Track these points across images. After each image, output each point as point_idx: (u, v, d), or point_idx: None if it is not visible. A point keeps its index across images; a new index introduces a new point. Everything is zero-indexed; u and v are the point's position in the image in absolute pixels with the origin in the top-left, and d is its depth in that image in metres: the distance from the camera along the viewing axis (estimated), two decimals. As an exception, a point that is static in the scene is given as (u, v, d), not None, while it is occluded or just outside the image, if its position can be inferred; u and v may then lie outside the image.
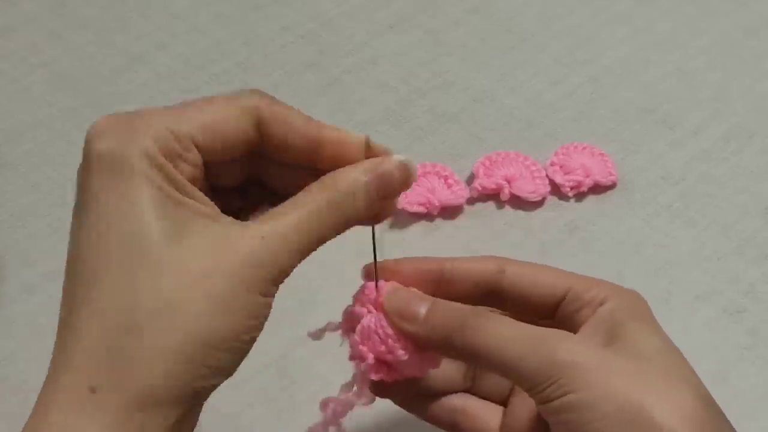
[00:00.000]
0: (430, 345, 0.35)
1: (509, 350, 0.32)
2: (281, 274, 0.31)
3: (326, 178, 0.33)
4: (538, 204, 0.56)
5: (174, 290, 0.28)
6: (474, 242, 0.55)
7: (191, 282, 0.28)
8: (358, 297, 0.36)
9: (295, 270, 0.54)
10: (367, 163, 0.34)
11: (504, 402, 0.39)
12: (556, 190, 0.57)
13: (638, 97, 0.62)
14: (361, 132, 0.61)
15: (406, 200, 0.55)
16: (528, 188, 0.56)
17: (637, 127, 0.60)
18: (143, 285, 0.28)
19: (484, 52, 0.64)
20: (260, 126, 0.33)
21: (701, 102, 0.62)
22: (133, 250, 0.28)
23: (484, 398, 0.39)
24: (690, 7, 0.67)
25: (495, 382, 0.39)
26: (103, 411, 0.28)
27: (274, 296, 0.31)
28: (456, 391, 0.39)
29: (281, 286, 0.54)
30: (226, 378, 0.31)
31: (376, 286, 0.36)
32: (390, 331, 0.35)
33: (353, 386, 0.37)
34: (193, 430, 0.31)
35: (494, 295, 0.36)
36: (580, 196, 0.57)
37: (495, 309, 0.37)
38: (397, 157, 0.34)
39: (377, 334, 0.35)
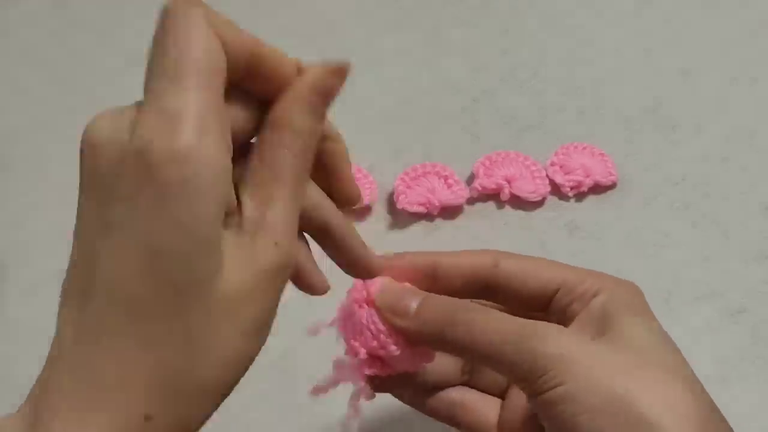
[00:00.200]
0: (422, 340, 0.35)
1: (498, 344, 0.32)
2: (293, 263, 0.30)
3: (279, 129, 0.31)
4: (538, 204, 0.56)
5: (221, 320, 0.28)
6: (474, 242, 0.55)
7: (231, 309, 0.28)
8: (351, 292, 0.36)
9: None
10: (305, 91, 0.33)
11: (502, 395, 0.39)
12: (556, 190, 0.57)
13: (638, 97, 0.62)
14: (361, 132, 0.61)
15: (406, 200, 0.55)
16: (528, 188, 0.56)
17: (637, 127, 0.60)
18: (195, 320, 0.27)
19: (484, 52, 0.64)
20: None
21: (702, 102, 0.62)
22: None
23: (482, 391, 0.39)
24: (690, 8, 0.67)
25: (492, 375, 0.39)
26: None
27: None
28: (454, 385, 0.39)
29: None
30: None
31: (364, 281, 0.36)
32: (382, 326, 0.35)
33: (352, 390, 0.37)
34: None
35: (489, 288, 0.36)
36: (580, 196, 0.57)
37: (489, 302, 0.37)
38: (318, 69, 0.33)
39: (369, 329, 0.35)
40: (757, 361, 0.50)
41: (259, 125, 0.31)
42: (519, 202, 0.56)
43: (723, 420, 0.32)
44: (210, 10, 0.30)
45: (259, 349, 0.30)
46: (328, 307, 0.52)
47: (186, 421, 0.28)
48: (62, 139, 0.59)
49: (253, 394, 0.49)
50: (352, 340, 0.36)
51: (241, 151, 0.30)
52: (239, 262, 0.28)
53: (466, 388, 0.39)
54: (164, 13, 0.28)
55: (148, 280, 0.26)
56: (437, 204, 0.55)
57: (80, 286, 0.30)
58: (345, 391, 0.48)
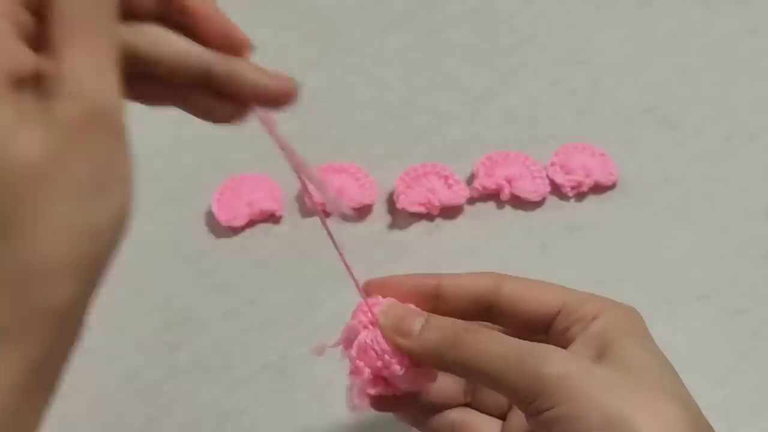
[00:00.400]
0: (425, 360, 0.35)
1: (498, 365, 0.33)
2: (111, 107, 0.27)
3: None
4: (539, 204, 0.56)
5: (31, 193, 0.24)
6: (474, 242, 0.55)
7: (40, 178, 0.25)
8: (356, 314, 0.37)
9: (295, 270, 0.54)
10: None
11: (503, 416, 0.39)
12: (556, 190, 0.57)
13: (639, 97, 0.62)
14: (361, 132, 0.62)
15: (407, 200, 0.55)
16: (528, 188, 0.56)
17: (637, 127, 0.60)
18: None
19: (484, 52, 0.64)
20: None
21: (702, 102, 0.62)
22: None
23: (483, 412, 0.40)
24: (690, 8, 0.67)
25: (494, 396, 0.39)
26: None
27: None
28: (455, 406, 0.40)
29: (282, 287, 0.55)
30: None
31: (364, 298, 0.37)
32: (386, 346, 0.36)
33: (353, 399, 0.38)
34: None
35: (490, 310, 0.37)
36: (580, 196, 0.57)
37: (491, 324, 0.38)
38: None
39: (374, 349, 0.36)
40: (757, 362, 0.50)
41: None
42: (519, 202, 0.56)
43: None
44: None
45: (113, 210, 0.27)
46: (327, 308, 0.52)
47: (41, 314, 0.25)
48: (62, 139, 0.59)
49: (253, 394, 0.49)
50: (357, 360, 0.36)
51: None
52: (39, 126, 0.24)
53: (468, 409, 0.40)
54: None
55: None
56: (437, 204, 0.55)
57: None
58: (344, 392, 0.48)
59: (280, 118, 0.64)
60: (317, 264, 0.53)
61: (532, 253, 0.54)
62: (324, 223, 0.36)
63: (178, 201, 0.56)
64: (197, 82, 0.30)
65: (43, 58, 0.26)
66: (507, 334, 0.35)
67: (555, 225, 0.56)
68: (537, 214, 0.56)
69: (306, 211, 0.56)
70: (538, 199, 0.56)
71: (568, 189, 0.56)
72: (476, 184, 0.56)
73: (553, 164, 0.57)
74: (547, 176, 0.57)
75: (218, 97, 0.32)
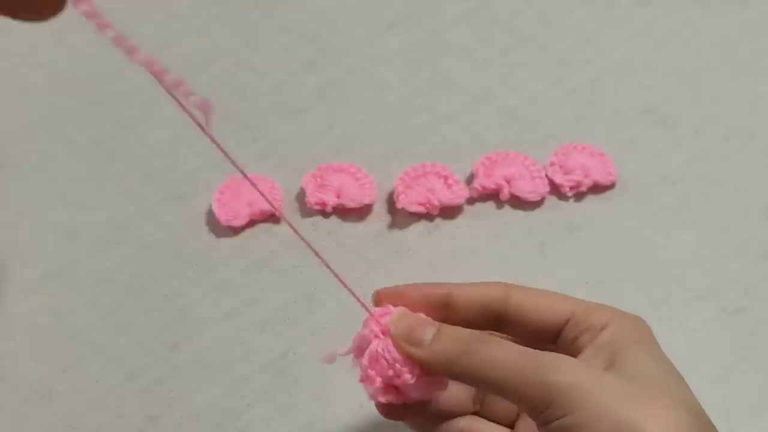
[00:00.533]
0: (436, 369, 0.36)
1: (509, 374, 0.33)
2: None
3: None
4: (538, 204, 0.56)
5: None
6: (473, 242, 0.55)
7: None
8: (367, 323, 0.37)
9: (295, 270, 0.54)
10: None
11: (511, 425, 0.40)
12: (555, 190, 0.57)
13: (638, 97, 0.62)
14: (361, 132, 0.62)
15: (406, 200, 0.55)
16: (527, 188, 0.56)
17: (636, 127, 0.60)
18: None
19: (484, 52, 0.64)
20: None
21: (701, 102, 0.62)
22: None
23: (492, 421, 0.40)
24: (690, 8, 0.67)
25: (502, 404, 0.40)
26: None
27: None
28: (464, 413, 0.40)
29: (282, 287, 0.55)
30: None
31: (368, 311, 0.38)
32: (397, 355, 0.36)
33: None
34: None
35: (499, 320, 0.38)
36: (579, 196, 0.57)
37: (500, 334, 0.38)
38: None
39: (385, 358, 0.36)
40: (757, 361, 0.50)
41: None
42: (518, 202, 0.56)
43: None
44: None
45: None
46: (327, 308, 0.52)
47: None
48: (62, 139, 0.59)
49: (253, 394, 0.49)
50: (368, 369, 0.37)
51: None
52: None
53: (476, 418, 0.40)
54: None
55: None
56: (437, 204, 0.55)
57: None
58: (344, 391, 0.48)
59: (281, 119, 0.65)
60: (317, 264, 0.53)
61: (531, 253, 0.54)
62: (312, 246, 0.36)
63: (178, 201, 0.56)
64: None
65: None
66: (516, 343, 0.35)
67: (554, 225, 0.56)
68: (536, 214, 0.56)
69: (306, 211, 0.56)
70: (537, 199, 0.56)
71: (567, 189, 0.56)
72: (476, 184, 0.56)
73: (552, 164, 0.57)
74: (547, 176, 0.57)
75: None
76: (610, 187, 0.57)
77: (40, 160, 0.58)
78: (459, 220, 0.56)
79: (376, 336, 0.37)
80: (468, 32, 0.65)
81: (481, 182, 0.56)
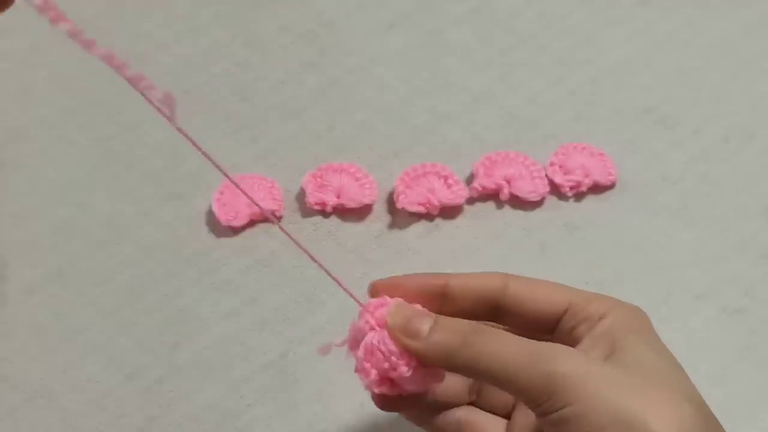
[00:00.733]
0: (433, 361, 0.35)
1: (508, 365, 0.33)
2: None
3: None
4: (538, 204, 0.56)
5: None
6: (474, 242, 0.55)
7: None
8: (363, 314, 0.37)
9: (295, 270, 0.54)
10: None
11: (508, 415, 0.40)
12: (555, 190, 0.57)
13: (638, 97, 0.62)
14: (361, 132, 0.62)
15: (406, 200, 0.55)
16: (527, 188, 0.56)
17: (636, 127, 0.60)
18: None
19: (484, 52, 0.64)
20: None
21: (701, 102, 0.62)
22: None
23: (489, 411, 0.40)
24: (689, 7, 0.67)
25: (499, 395, 0.40)
26: None
27: None
28: (461, 404, 0.40)
29: (282, 287, 0.55)
30: None
31: (360, 303, 0.37)
32: (393, 347, 0.36)
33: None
34: None
35: (497, 310, 0.37)
36: (579, 196, 0.57)
37: (497, 324, 0.38)
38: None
39: (380, 351, 0.36)
40: (757, 361, 0.50)
41: None
42: (518, 202, 0.56)
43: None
44: None
45: None
46: (327, 308, 0.52)
47: None
48: (62, 139, 0.59)
49: (253, 394, 0.49)
50: (363, 362, 0.36)
51: None
52: None
53: (473, 408, 0.40)
54: None
55: None
56: (437, 204, 0.55)
57: None
58: (344, 391, 0.48)
59: (281, 119, 0.65)
60: (317, 264, 0.53)
61: (531, 253, 0.54)
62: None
63: (178, 201, 0.56)
64: None
65: None
66: (514, 333, 0.35)
67: (554, 225, 0.56)
68: (536, 214, 0.56)
69: (306, 211, 0.56)
70: (537, 199, 0.56)
71: (567, 189, 0.56)
72: (476, 184, 0.56)
73: (552, 164, 0.57)
74: (546, 176, 0.57)
75: None
76: (610, 187, 0.57)
77: (40, 160, 0.58)
78: (459, 220, 0.56)
79: (372, 328, 0.36)
80: (468, 32, 0.65)
81: (481, 182, 0.56)
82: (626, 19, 0.67)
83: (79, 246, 0.54)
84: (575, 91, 0.62)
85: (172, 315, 0.51)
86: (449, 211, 0.56)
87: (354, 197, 0.55)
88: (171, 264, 0.53)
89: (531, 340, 0.34)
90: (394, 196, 0.55)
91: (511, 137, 0.59)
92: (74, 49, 0.68)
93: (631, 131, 0.60)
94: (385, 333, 0.36)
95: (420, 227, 0.55)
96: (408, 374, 0.35)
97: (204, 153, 0.34)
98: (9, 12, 0.67)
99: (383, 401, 0.38)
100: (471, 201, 0.56)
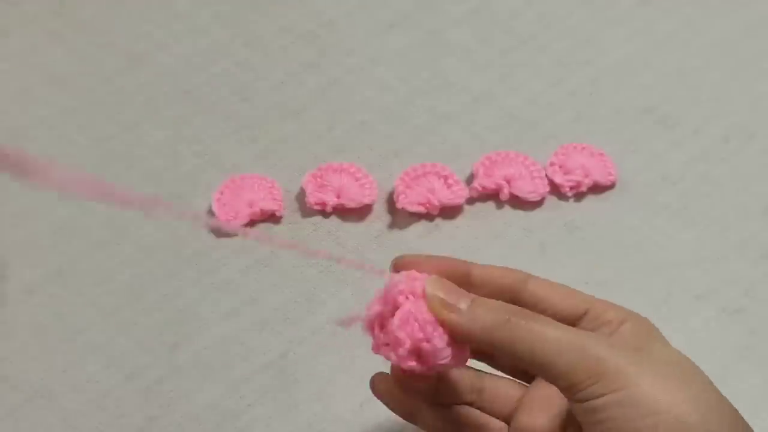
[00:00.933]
0: (471, 336, 0.35)
1: (550, 347, 0.33)
2: None
3: None
4: (538, 204, 0.56)
5: None
6: (474, 242, 0.55)
7: None
8: (397, 284, 0.36)
9: (295, 270, 0.54)
10: None
11: (506, 418, 0.39)
12: (555, 190, 0.57)
13: (638, 97, 0.62)
14: (361, 132, 0.62)
15: (406, 200, 0.55)
16: (527, 188, 0.56)
17: (636, 127, 0.60)
18: None
19: (484, 52, 0.64)
20: None
21: (701, 102, 0.62)
22: None
23: (487, 412, 0.40)
24: (689, 8, 0.67)
25: (500, 397, 0.40)
26: None
27: None
28: (461, 403, 0.40)
29: (282, 287, 0.55)
30: None
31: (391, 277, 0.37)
32: (429, 317, 0.35)
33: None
34: None
35: (514, 304, 0.37)
36: (579, 196, 0.57)
37: None
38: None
39: (417, 319, 0.35)
40: (757, 361, 0.50)
41: None
42: (518, 202, 0.56)
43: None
44: None
45: None
46: (327, 308, 0.52)
47: None
48: (62, 139, 0.59)
49: (253, 394, 0.49)
50: (398, 330, 0.35)
51: None
52: None
53: (472, 409, 0.40)
54: None
55: None
56: (437, 204, 0.55)
57: None
58: (344, 391, 0.48)
59: (281, 119, 0.65)
60: (317, 264, 0.53)
61: (531, 253, 0.54)
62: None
63: (178, 201, 0.56)
64: None
65: None
66: None
67: (554, 225, 0.56)
68: (536, 214, 0.56)
69: (306, 211, 0.56)
70: (537, 199, 0.56)
71: (567, 189, 0.56)
72: (476, 184, 0.56)
73: (552, 164, 0.57)
74: (546, 176, 0.57)
75: None
76: (610, 187, 0.57)
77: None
78: (459, 220, 0.56)
79: (407, 297, 0.36)
80: (468, 33, 0.65)
81: (481, 182, 0.56)
82: (626, 19, 0.67)
83: (79, 246, 0.54)
84: (575, 91, 0.62)
85: (172, 315, 0.51)
86: (449, 211, 0.56)
87: (354, 197, 0.55)
88: (171, 264, 0.53)
89: (572, 327, 0.34)
90: (394, 196, 0.55)
91: (511, 137, 0.59)
92: (74, 49, 0.68)
93: (631, 131, 0.60)
94: (422, 303, 0.35)
95: (420, 227, 0.55)
96: (442, 345, 0.35)
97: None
98: (9, 12, 0.67)
99: (402, 378, 0.38)
100: (471, 201, 0.56)
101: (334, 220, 0.55)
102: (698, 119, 0.61)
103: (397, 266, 0.37)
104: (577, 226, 0.56)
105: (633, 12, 0.67)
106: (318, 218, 0.55)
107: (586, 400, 0.32)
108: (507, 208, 0.56)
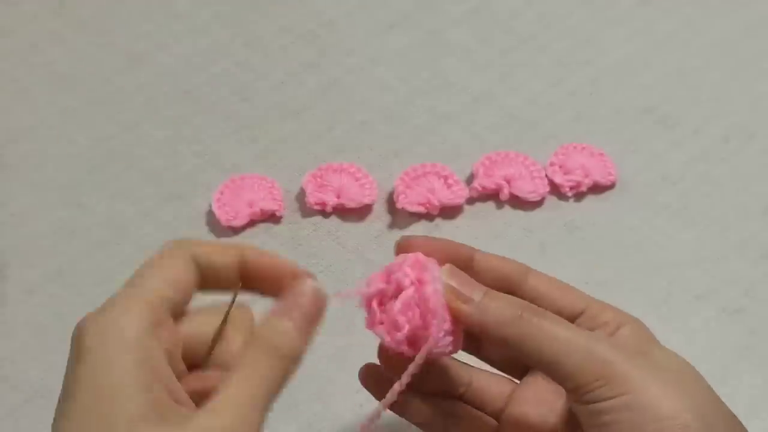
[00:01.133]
0: (481, 329, 0.35)
1: (561, 347, 0.33)
2: None
3: (258, 339, 0.32)
4: (538, 204, 0.56)
5: None
6: (474, 242, 0.54)
7: None
8: (402, 267, 0.36)
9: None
10: (288, 305, 0.34)
11: (495, 413, 0.39)
12: (555, 190, 0.57)
13: (638, 97, 0.62)
14: (361, 132, 0.62)
15: (406, 200, 0.55)
16: (527, 188, 0.56)
17: (636, 127, 0.60)
18: None
19: (484, 52, 0.64)
20: (196, 264, 0.34)
21: (701, 102, 0.62)
22: None
23: (476, 406, 0.40)
24: (689, 8, 0.67)
25: (488, 392, 0.40)
26: None
27: None
28: (450, 396, 0.40)
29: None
30: None
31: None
32: (432, 306, 0.35)
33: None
34: None
35: (512, 295, 0.37)
36: (579, 196, 0.57)
37: None
38: (309, 286, 0.35)
39: (419, 307, 0.35)
40: (756, 361, 0.50)
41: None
42: (518, 202, 0.56)
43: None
44: (197, 245, 0.34)
45: None
46: (327, 307, 0.52)
47: None
48: (62, 139, 0.59)
49: (253, 394, 0.49)
50: (399, 315, 0.35)
51: None
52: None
53: (460, 402, 0.40)
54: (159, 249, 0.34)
55: None
56: (437, 204, 0.55)
57: None
58: (344, 391, 0.48)
59: (281, 119, 0.65)
60: (317, 264, 0.53)
61: (531, 253, 0.54)
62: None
63: (178, 201, 0.56)
64: None
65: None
66: None
67: (554, 225, 0.56)
68: (536, 214, 0.56)
69: (306, 211, 0.56)
70: (537, 199, 0.56)
71: (567, 189, 0.56)
72: (476, 184, 0.56)
73: (552, 164, 0.57)
74: (546, 176, 0.57)
75: None
76: (610, 187, 0.57)
77: (40, 160, 0.58)
78: (459, 220, 0.56)
79: (411, 283, 0.35)
80: (468, 32, 0.65)
81: (481, 182, 0.56)
82: (626, 19, 0.67)
83: (79, 246, 0.54)
84: (575, 91, 0.62)
85: (172, 315, 0.51)
86: (449, 211, 0.56)
87: (354, 197, 0.55)
88: (171, 264, 0.53)
89: (581, 329, 0.34)
90: (394, 196, 0.55)
91: (511, 137, 0.59)
92: (74, 49, 0.68)
93: (631, 131, 0.60)
94: (425, 290, 0.35)
95: (420, 227, 0.55)
96: (440, 335, 0.35)
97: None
98: (9, 12, 0.67)
99: (392, 362, 0.37)
100: (471, 201, 0.56)
101: (334, 220, 0.55)
102: (698, 119, 0.61)
103: (401, 247, 0.37)
104: (577, 226, 0.56)
105: (633, 12, 0.67)
106: (318, 218, 0.55)
107: (593, 402, 0.32)
108: (507, 208, 0.56)
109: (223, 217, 0.54)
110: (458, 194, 0.56)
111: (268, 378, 0.32)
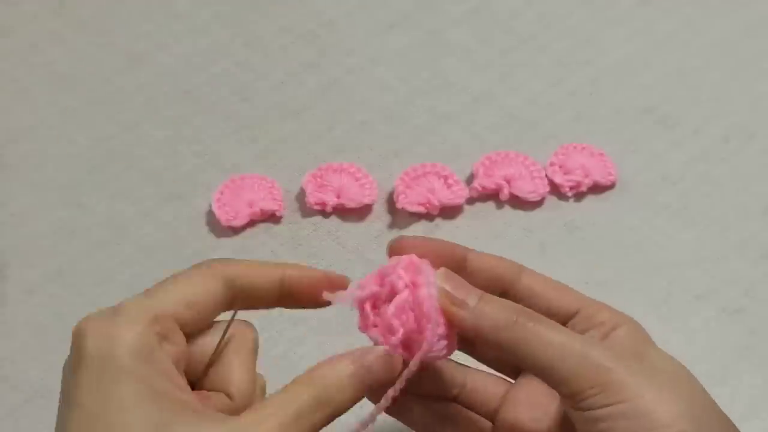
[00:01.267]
0: (475, 334, 0.35)
1: (557, 353, 0.33)
2: None
3: (313, 372, 0.33)
4: (538, 204, 0.56)
5: None
6: (474, 242, 0.54)
7: None
8: (396, 269, 0.35)
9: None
10: (352, 355, 0.34)
11: (489, 414, 0.39)
12: (555, 190, 0.57)
13: (638, 97, 0.62)
14: (361, 132, 0.62)
15: (406, 200, 0.55)
16: (527, 188, 0.56)
17: (636, 127, 0.60)
18: None
19: (484, 52, 0.64)
20: (229, 286, 0.34)
21: (701, 102, 0.62)
22: None
23: (471, 408, 0.40)
24: (689, 8, 0.67)
25: (483, 393, 0.39)
26: None
27: None
28: (444, 397, 0.40)
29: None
30: None
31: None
32: (427, 310, 0.34)
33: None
34: None
35: (506, 295, 0.37)
36: (579, 196, 0.57)
37: None
38: (380, 348, 0.34)
39: (413, 311, 0.35)
40: (756, 361, 0.50)
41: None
42: (518, 202, 0.56)
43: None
44: (235, 265, 0.35)
45: None
46: (327, 307, 0.52)
47: None
48: (62, 139, 0.59)
49: (253, 394, 0.49)
50: (393, 318, 0.35)
51: None
52: None
53: (454, 404, 0.40)
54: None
55: None
56: (437, 204, 0.55)
57: None
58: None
59: (281, 119, 0.65)
60: (317, 264, 0.53)
61: (531, 253, 0.54)
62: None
63: (178, 201, 0.56)
64: None
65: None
66: None
67: (554, 225, 0.56)
68: (536, 214, 0.56)
69: (306, 211, 0.56)
70: (537, 199, 0.56)
71: (567, 189, 0.56)
72: (476, 184, 0.56)
73: (552, 164, 0.57)
74: (546, 176, 0.57)
75: None
76: (610, 187, 0.57)
77: (40, 160, 0.58)
78: (459, 220, 0.56)
79: (406, 286, 0.35)
80: (468, 32, 0.65)
81: (481, 182, 0.56)
82: (626, 19, 0.67)
83: (79, 246, 0.54)
84: (575, 91, 0.62)
85: (172, 315, 0.51)
86: (449, 211, 0.56)
87: (354, 197, 0.55)
88: (171, 264, 0.53)
89: (577, 334, 0.34)
90: (394, 196, 0.55)
91: (511, 137, 0.59)
92: (74, 49, 0.68)
93: (631, 131, 0.60)
94: (421, 294, 0.35)
95: (420, 227, 0.55)
96: (434, 339, 0.34)
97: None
98: (9, 12, 0.67)
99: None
100: (471, 201, 0.56)
101: (334, 220, 0.55)
102: (698, 119, 0.61)
103: (394, 249, 0.37)
104: (577, 226, 0.56)
105: (633, 12, 0.67)
106: (318, 218, 0.55)
107: (588, 410, 0.32)
108: (507, 208, 0.56)
109: (223, 217, 0.54)
110: (458, 194, 0.56)
111: (301, 408, 0.32)
